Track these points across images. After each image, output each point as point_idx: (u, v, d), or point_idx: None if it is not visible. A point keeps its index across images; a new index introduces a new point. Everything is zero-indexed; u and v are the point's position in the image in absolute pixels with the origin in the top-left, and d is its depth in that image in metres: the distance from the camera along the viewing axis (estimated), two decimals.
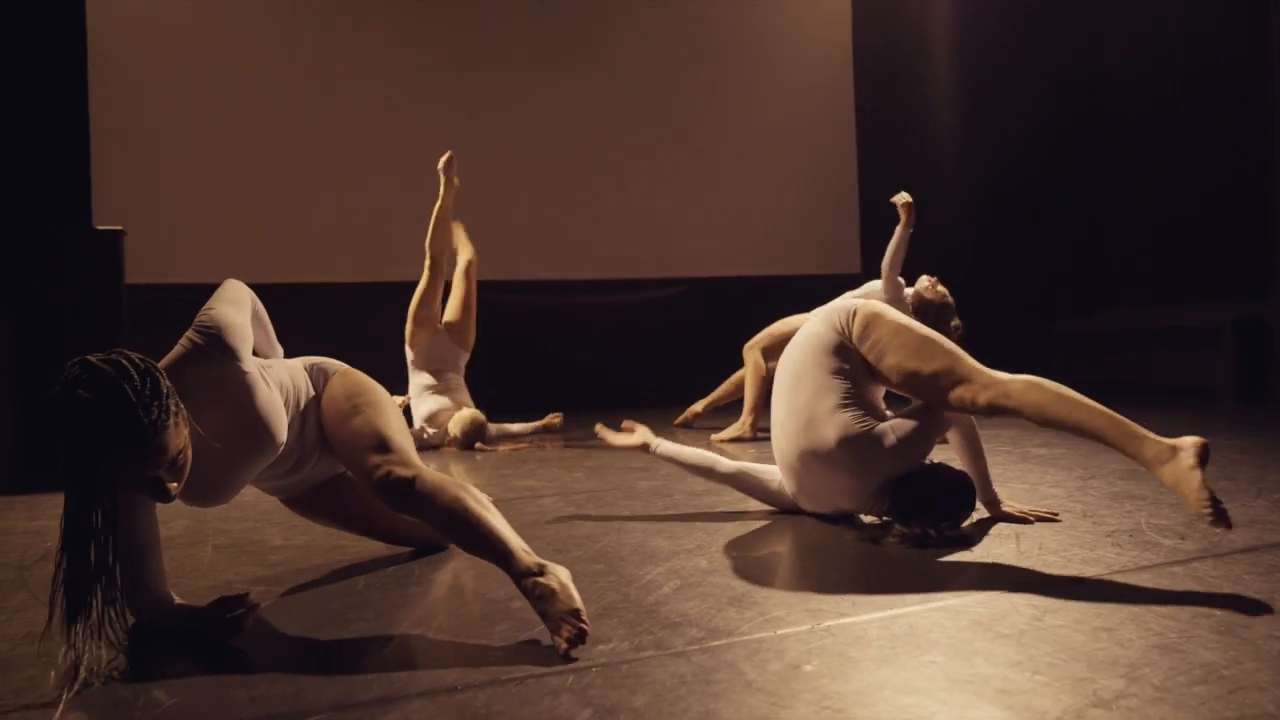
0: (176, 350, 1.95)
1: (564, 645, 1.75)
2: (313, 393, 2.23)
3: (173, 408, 1.72)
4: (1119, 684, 1.57)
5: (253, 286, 2.29)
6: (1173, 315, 7.20)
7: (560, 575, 1.88)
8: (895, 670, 1.66)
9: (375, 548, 2.70)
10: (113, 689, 1.69)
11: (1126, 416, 2.46)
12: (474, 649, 1.83)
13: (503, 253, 7.52)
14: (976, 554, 2.46)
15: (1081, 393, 2.54)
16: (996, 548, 2.53)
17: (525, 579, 1.87)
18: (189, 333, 1.96)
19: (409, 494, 1.98)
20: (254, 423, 1.96)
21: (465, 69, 7.47)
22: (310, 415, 2.20)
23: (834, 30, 8.59)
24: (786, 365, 2.80)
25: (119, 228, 4.62)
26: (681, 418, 5.81)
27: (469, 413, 5.06)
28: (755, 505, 3.25)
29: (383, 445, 2.08)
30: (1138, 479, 3.49)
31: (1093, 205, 8.71)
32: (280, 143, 7.00)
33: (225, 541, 2.88)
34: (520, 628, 1.94)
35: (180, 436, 1.73)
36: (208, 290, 2.16)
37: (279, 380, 2.13)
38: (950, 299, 4.70)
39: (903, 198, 4.74)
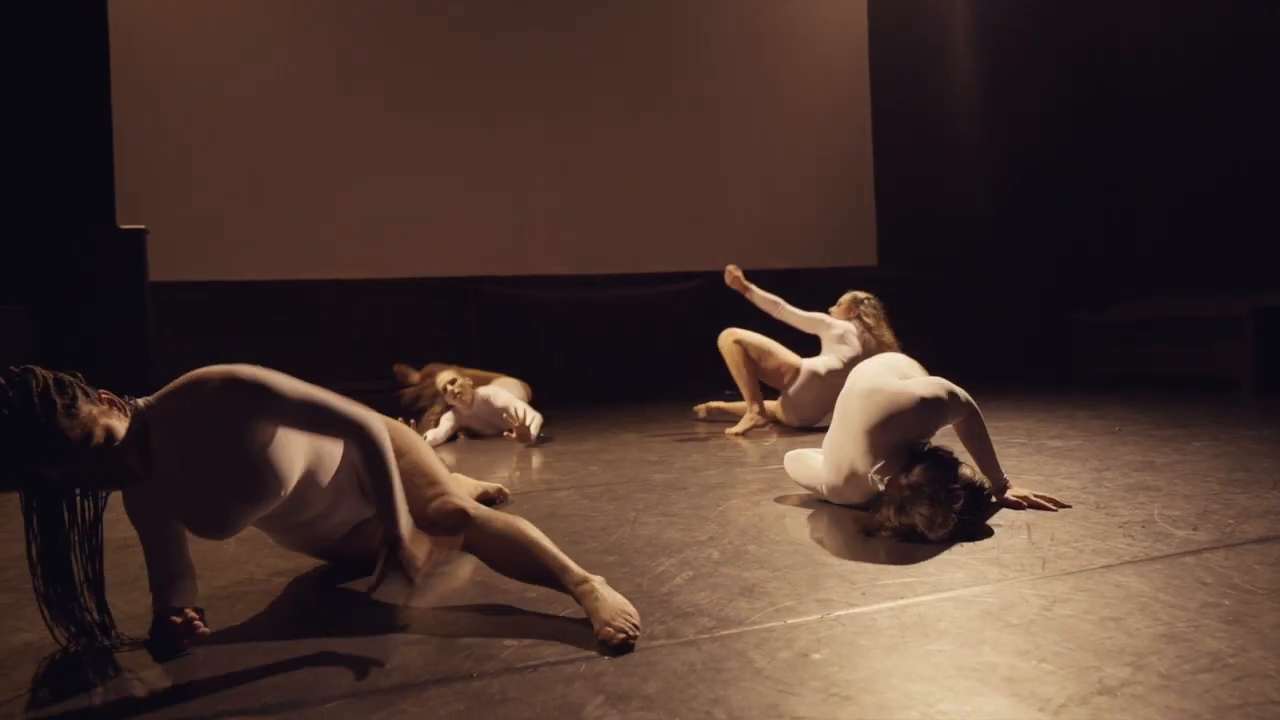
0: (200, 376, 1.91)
1: (620, 637, 1.78)
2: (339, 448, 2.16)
3: (65, 398, 1.71)
4: (1125, 672, 1.59)
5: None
6: (1192, 305, 7.15)
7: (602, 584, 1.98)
8: (903, 659, 1.68)
9: None
10: (125, 673, 1.73)
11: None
12: (489, 639, 1.86)
13: (515, 247, 7.54)
14: (988, 545, 2.48)
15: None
16: (1009, 539, 2.54)
17: (581, 585, 1.95)
18: (226, 370, 1.90)
19: (466, 521, 2.08)
20: (255, 466, 1.93)
21: (481, 61, 7.50)
22: (342, 469, 2.17)
23: (850, 15, 8.55)
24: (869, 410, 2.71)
25: (142, 226, 4.67)
26: (704, 408, 5.79)
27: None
28: (769, 498, 3.27)
29: (432, 482, 2.21)
30: (1153, 470, 3.49)
31: (1112, 192, 8.66)
32: (301, 140, 7.06)
33: (247, 534, 2.93)
34: (534, 622, 1.98)
35: (83, 424, 1.73)
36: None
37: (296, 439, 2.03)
38: (863, 303, 5.08)
39: (730, 275, 5.18)
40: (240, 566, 2.54)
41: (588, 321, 7.67)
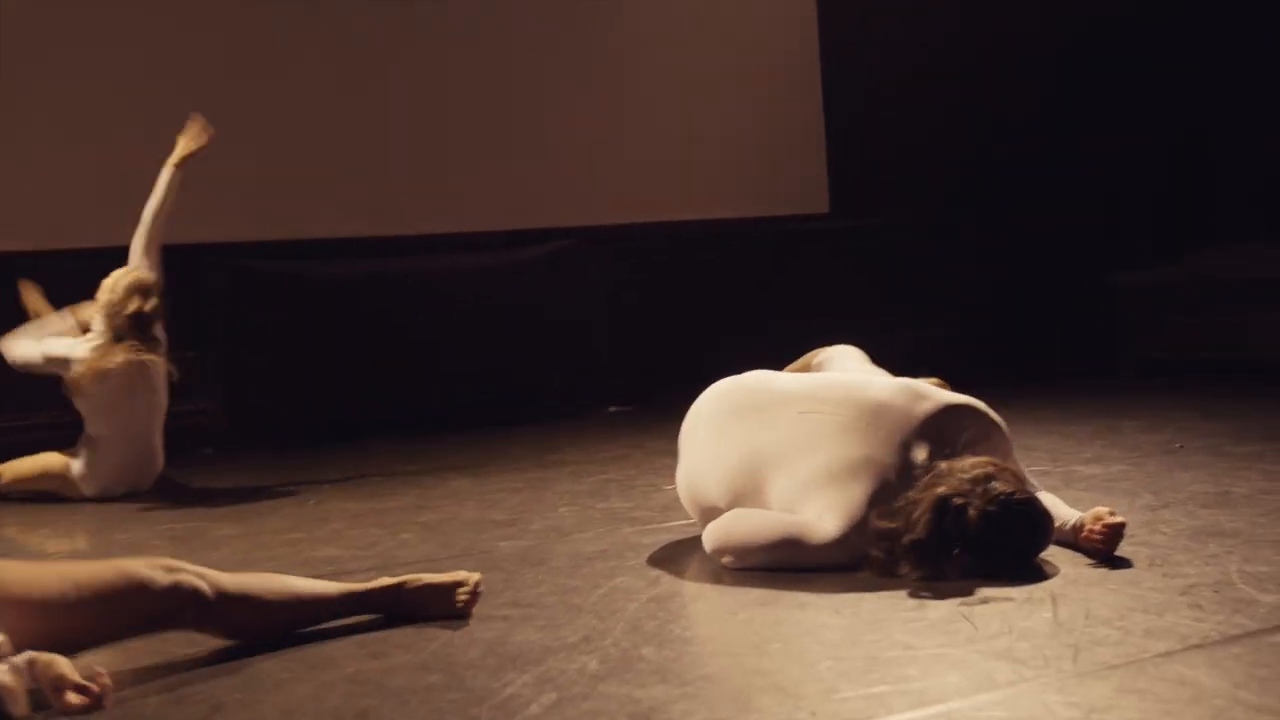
0: None
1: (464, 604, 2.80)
2: None
3: None
4: None
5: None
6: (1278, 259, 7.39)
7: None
8: None
9: None
10: None
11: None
12: None
13: (285, 201, 7.41)
14: (995, 628, 2.52)
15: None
16: (1024, 617, 2.59)
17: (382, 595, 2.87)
18: None
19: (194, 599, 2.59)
20: None
21: None
22: None
23: None
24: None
25: None
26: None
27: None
28: (672, 570, 3.27)
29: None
30: (1230, 507, 3.61)
31: (1173, 98, 8.91)
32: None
33: None
34: None
35: None
36: None
37: None
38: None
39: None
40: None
41: (396, 305, 7.55)
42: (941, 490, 2.87)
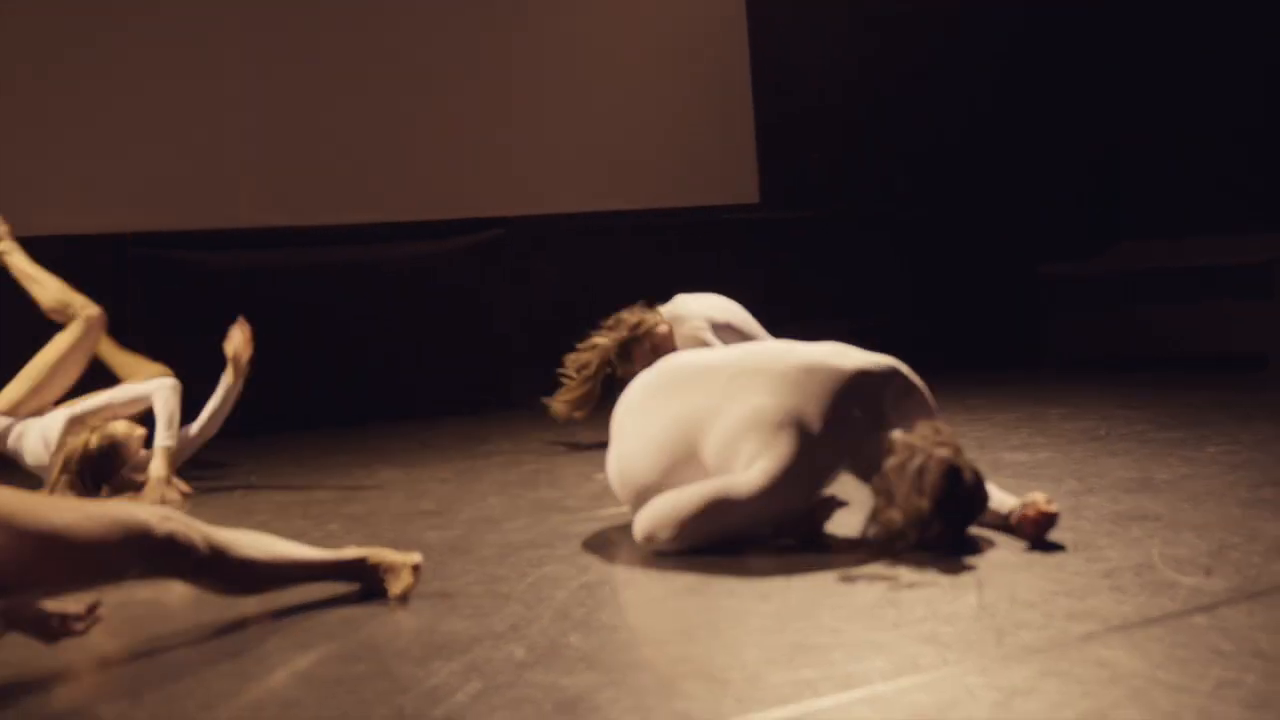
0: None
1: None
2: None
3: None
4: None
5: None
6: (1204, 251, 7.50)
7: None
8: None
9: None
10: None
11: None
12: None
13: (208, 190, 7.34)
14: (920, 612, 2.54)
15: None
16: (949, 602, 2.61)
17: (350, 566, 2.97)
18: None
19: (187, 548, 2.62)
20: None
21: None
22: None
23: None
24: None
25: None
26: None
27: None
28: (602, 558, 3.28)
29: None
30: (1152, 491, 3.66)
31: (1092, 104, 9.04)
32: None
33: None
34: None
35: None
36: None
37: None
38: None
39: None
40: None
41: (325, 295, 7.49)
42: (945, 454, 2.95)
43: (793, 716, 2.00)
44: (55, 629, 2.54)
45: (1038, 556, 2.96)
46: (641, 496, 3.41)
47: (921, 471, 2.93)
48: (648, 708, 2.09)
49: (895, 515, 2.94)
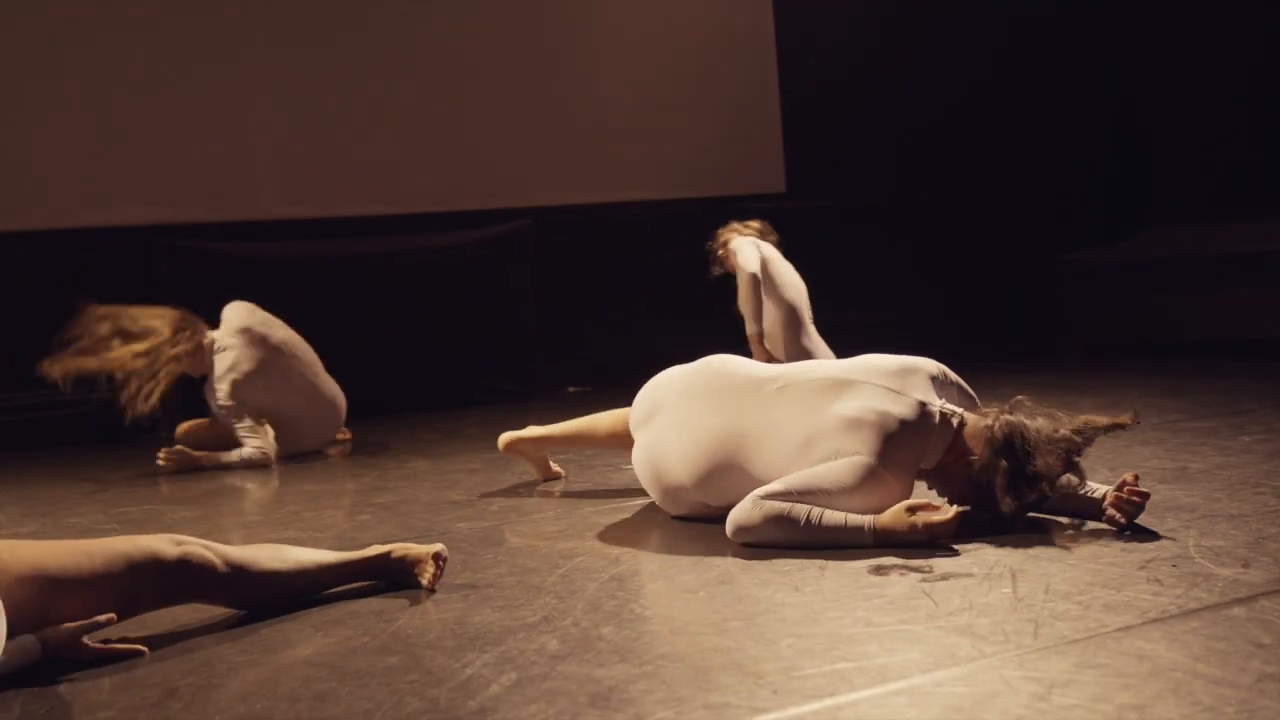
0: None
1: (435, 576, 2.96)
2: None
3: None
4: None
5: None
6: (1233, 238, 7.47)
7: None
8: None
9: None
10: None
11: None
12: None
13: (233, 181, 7.37)
14: (956, 604, 2.52)
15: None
16: (984, 593, 2.59)
17: (372, 563, 3.01)
18: None
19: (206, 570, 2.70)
20: None
21: None
22: None
23: None
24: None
25: None
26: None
27: None
28: (634, 550, 3.27)
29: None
30: (1186, 481, 3.63)
31: (1119, 84, 8.99)
32: None
33: None
34: None
35: None
36: None
37: None
38: None
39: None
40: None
41: (343, 287, 7.50)
42: (1067, 433, 3.05)
43: (829, 709, 1.99)
44: (94, 653, 2.53)
45: (1072, 548, 2.94)
46: (671, 494, 3.51)
47: (1038, 441, 3.03)
48: (681, 699, 2.09)
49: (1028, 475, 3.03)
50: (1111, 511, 3.09)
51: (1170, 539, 2.96)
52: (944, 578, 2.74)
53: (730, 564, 3.02)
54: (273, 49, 7.53)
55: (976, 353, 7.63)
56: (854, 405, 3.16)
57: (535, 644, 2.46)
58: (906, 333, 5.92)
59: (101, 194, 7.10)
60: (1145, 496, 3.09)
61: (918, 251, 8.68)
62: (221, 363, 5.42)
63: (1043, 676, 2.07)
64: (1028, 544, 2.99)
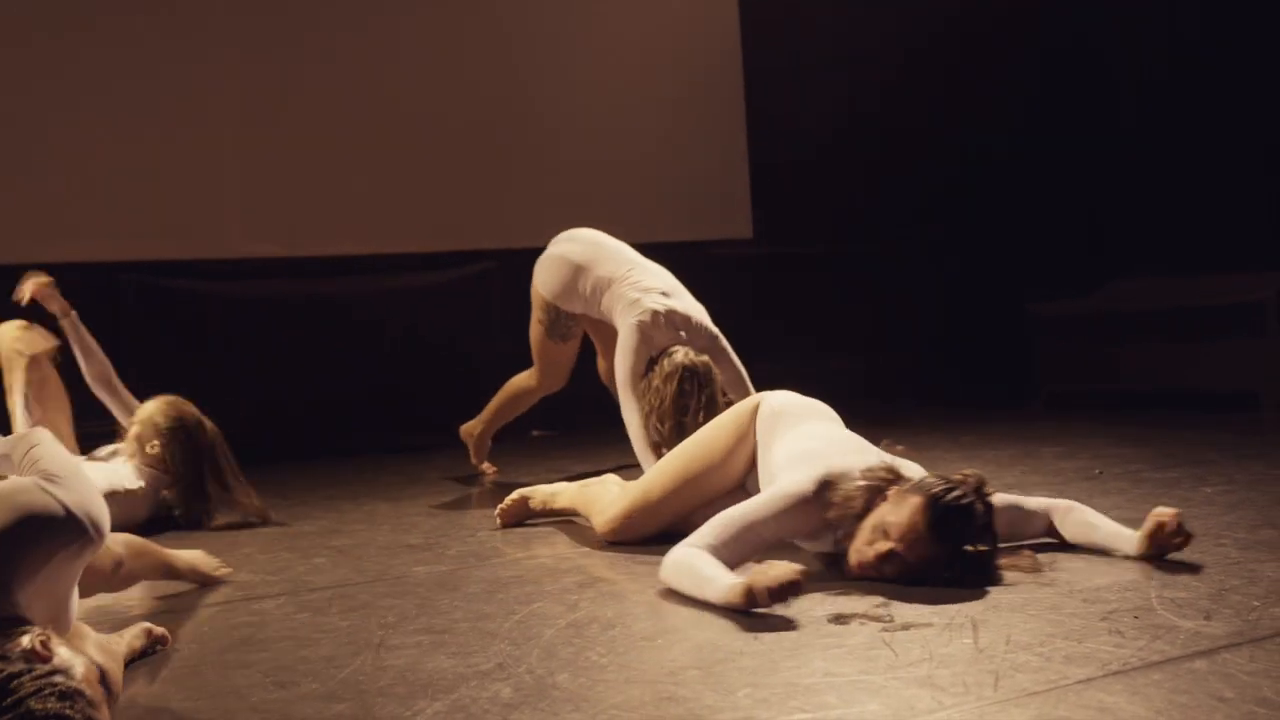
0: None
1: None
2: None
3: None
4: None
5: None
6: (1196, 291, 7.52)
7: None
8: None
9: None
10: None
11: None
12: None
13: (198, 219, 7.35)
14: (915, 654, 2.50)
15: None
16: (944, 644, 2.57)
17: None
18: None
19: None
20: None
21: None
22: None
23: None
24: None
25: None
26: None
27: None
28: (592, 594, 3.24)
29: None
30: None
31: (1083, 148, 9.07)
32: None
33: None
34: None
35: None
36: None
37: None
38: None
39: None
40: None
41: (306, 327, 7.47)
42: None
43: None
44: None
45: (1034, 599, 2.92)
46: None
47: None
48: None
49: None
50: (1146, 543, 3.20)
51: (1132, 590, 2.94)
52: (904, 627, 2.71)
53: (689, 612, 2.99)
54: (240, 86, 7.52)
55: (940, 398, 7.69)
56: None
57: (488, 692, 2.42)
58: (872, 380, 5.92)
59: (67, 228, 7.04)
60: (1186, 538, 3.17)
61: (885, 299, 8.70)
62: None
63: None
64: (989, 594, 2.97)
